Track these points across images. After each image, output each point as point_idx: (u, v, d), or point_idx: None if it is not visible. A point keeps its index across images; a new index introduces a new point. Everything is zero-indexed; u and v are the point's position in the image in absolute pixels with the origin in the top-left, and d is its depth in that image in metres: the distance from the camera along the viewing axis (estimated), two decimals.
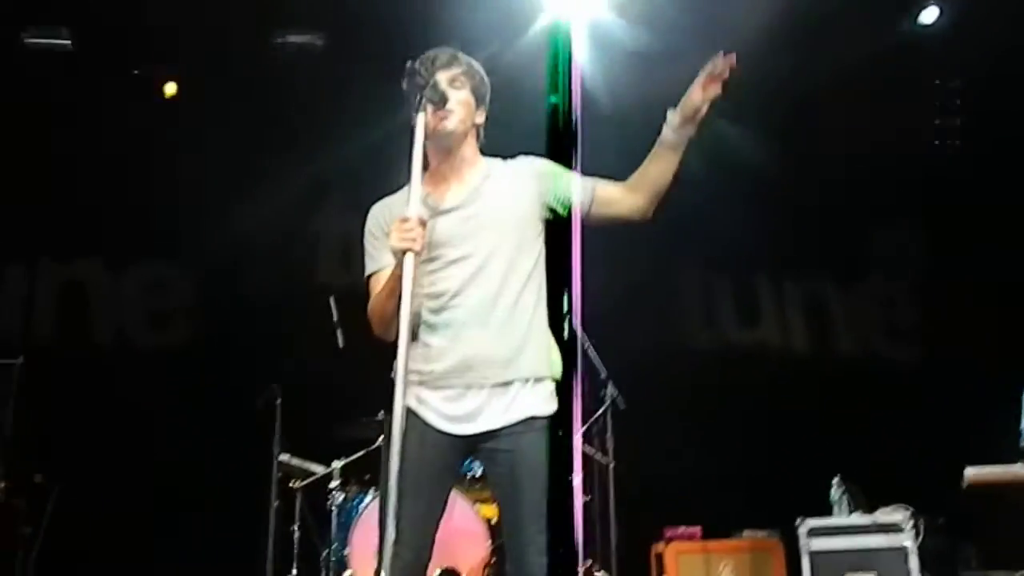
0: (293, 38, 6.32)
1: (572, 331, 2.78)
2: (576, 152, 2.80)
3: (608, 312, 6.00)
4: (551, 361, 2.74)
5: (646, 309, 6.68)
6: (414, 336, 2.70)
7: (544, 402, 2.70)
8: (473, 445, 2.71)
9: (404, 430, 2.47)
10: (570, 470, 2.69)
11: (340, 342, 5.31)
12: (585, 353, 5.47)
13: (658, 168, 2.78)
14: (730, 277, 7.32)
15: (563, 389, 2.72)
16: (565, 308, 2.75)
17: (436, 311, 2.68)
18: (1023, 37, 6.07)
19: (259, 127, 6.41)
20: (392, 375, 2.59)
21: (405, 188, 2.77)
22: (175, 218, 6.44)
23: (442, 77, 2.69)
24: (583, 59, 2.75)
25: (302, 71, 6.34)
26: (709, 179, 6.53)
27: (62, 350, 6.47)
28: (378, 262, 2.77)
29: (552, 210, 2.79)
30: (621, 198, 2.82)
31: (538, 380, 2.70)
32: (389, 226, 2.68)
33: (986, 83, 6.73)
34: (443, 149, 2.75)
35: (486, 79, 2.83)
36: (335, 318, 5.35)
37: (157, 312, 6.78)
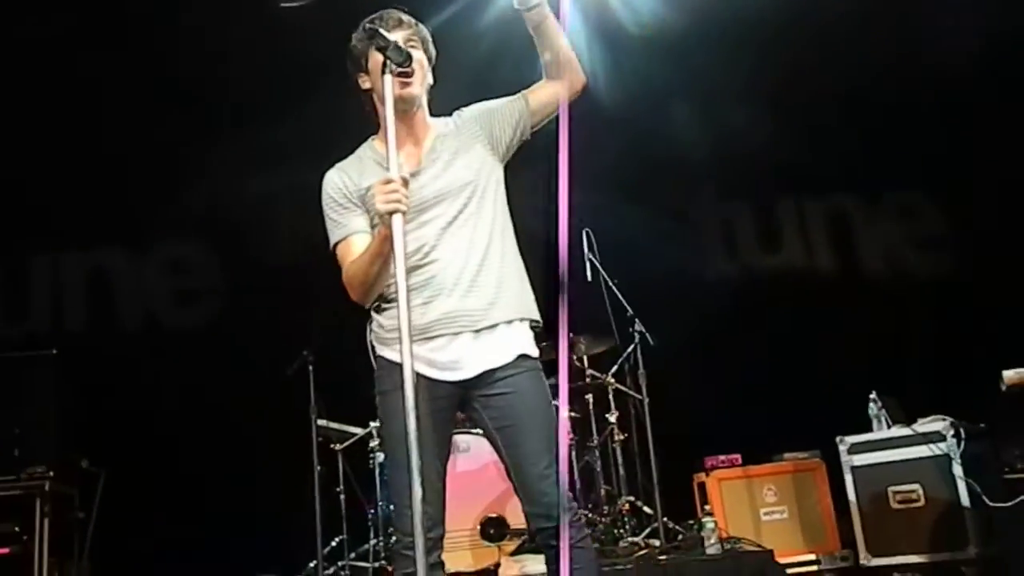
0: (286, 2, 6.23)
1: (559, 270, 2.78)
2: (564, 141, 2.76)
3: (629, 249, 6.03)
4: (528, 304, 2.80)
5: (667, 243, 6.63)
6: (385, 298, 2.76)
7: (530, 342, 2.77)
8: (466, 393, 2.74)
9: (396, 389, 2.47)
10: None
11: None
12: (610, 292, 5.46)
13: (546, 45, 2.79)
14: (748, 203, 7.23)
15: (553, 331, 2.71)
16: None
17: (408, 272, 2.64)
18: None
19: (269, 96, 6.37)
20: (369, 339, 2.76)
21: (357, 152, 2.85)
22: (190, 195, 6.43)
23: (398, 36, 2.68)
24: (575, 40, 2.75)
25: (311, 36, 6.27)
26: (719, 103, 6.49)
27: (93, 337, 6.52)
28: (346, 228, 2.77)
29: (509, 143, 2.83)
30: (550, 91, 2.83)
31: (520, 321, 2.75)
32: (351, 191, 2.75)
33: None
34: (402, 112, 2.72)
35: (431, 39, 2.84)
36: None
37: (183, 291, 6.81)
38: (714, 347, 6.27)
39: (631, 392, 5.56)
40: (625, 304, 5.48)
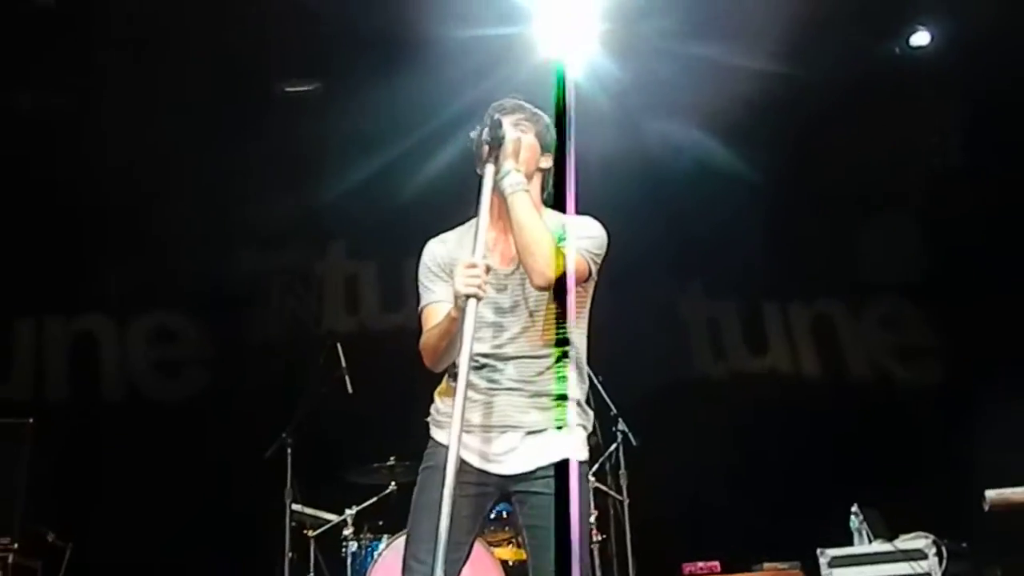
0: (295, 86, 6.39)
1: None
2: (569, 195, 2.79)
3: (616, 348, 6.03)
4: (585, 413, 2.80)
5: (653, 343, 6.66)
6: (447, 383, 2.80)
7: (577, 448, 2.74)
8: (506, 487, 2.73)
9: (442, 466, 2.50)
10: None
11: (349, 388, 5.31)
12: (595, 389, 5.45)
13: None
14: (736, 306, 7.28)
15: None
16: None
17: (475, 367, 2.69)
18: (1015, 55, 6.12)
19: (260, 173, 6.45)
20: (427, 419, 2.76)
21: (461, 227, 2.85)
22: (179, 268, 6.44)
23: (506, 121, 2.74)
24: (576, 99, 2.75)
25: (304, 116, 6.40)
26: (708, 205, 6.59)
27: (72, 406, 6.46)
28: (433, 295, 2.80)
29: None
30: None
31: (572, 428, 2.74)
32: (444, 263, 2.79)
33: (985, 99, 6.74)
34: (502, 196, 2.71)
35: (549, 125, 2.85)
36: (343, 364, 5.34)
37: (165, 363, 6.77)
38: (697, 450, 6.22)
39: (611, 492, 5.49)
40: (609, 402, 5.45)
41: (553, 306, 2.73)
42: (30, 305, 6.63)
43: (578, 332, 2.79)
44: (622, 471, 5.38)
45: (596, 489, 5.53)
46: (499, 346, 2.72)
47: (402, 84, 5.63)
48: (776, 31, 5.64)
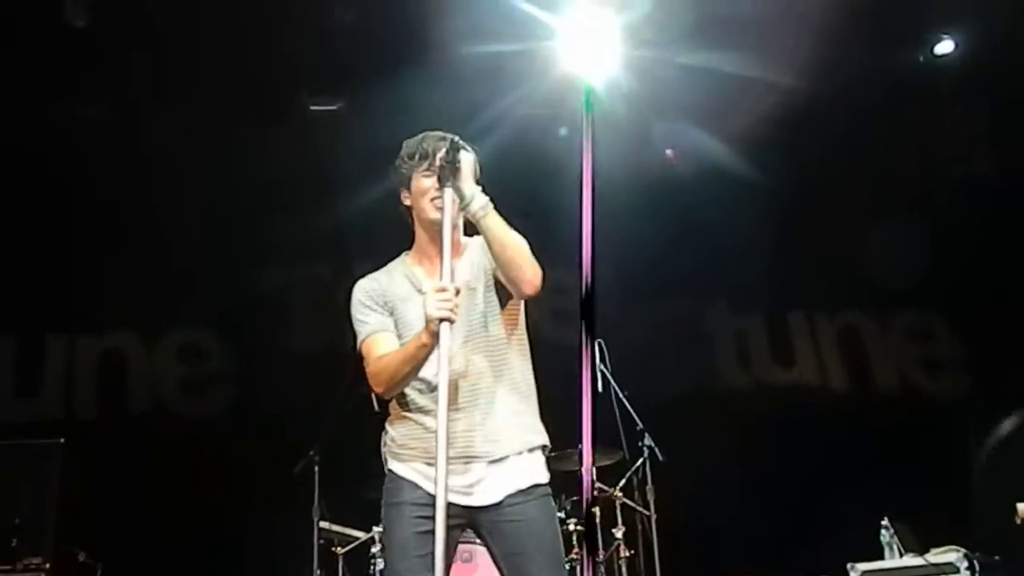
0: (320, 104, 6.46)
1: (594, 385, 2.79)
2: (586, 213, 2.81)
3: (642, 363, 6.04)
4: (539, 433, 2.83)
5: (679, 357, 6.64)
6: (398, 414, 2.83)
7: (541, 470, 2.79)
8: (475, 518, 2.75)
9: (406, 502, 2.63)
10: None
11: (375, 405, 5.31)
12: (620, 405, 5.44)
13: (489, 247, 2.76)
14: (762, 318, 7.25)
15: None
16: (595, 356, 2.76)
17: (422, 392, 2.75)
18: None
19: (288, 188, 6.51)
20: (384, 451, 2.82)
21: (389, 266, 2.96)
22: (206, 284, 6.50)
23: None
24: (599, 113, 2.75)
25: (330, 132, 6.46)
26: (732, 219, 6.58)
27: (102, 425, 6.52)
28: (372, 326, 2.84)
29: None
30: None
31: (531, 450, 2.78)
32: (376, 296, 2.86)
33: (1011, 106, 6.70)
34: (434, 232, 2.77)
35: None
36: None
37: (192, 381, 6.82)
38: (725, 464, 6.19)
39: (639, 507, 5.47)
40: (635, 417, 5.44)
41: (488, 330, 2.78)
42: (58, 323, 6.71)
43: (519, 349, 2.84)
44: (649, 486, 5.35)
45: (623, 505, 5.52)
46: (450, 371, 2.69)
47: (425, 100, 5.66)
48: (798, 44, 5.64)
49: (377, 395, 2.86)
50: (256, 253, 6.55)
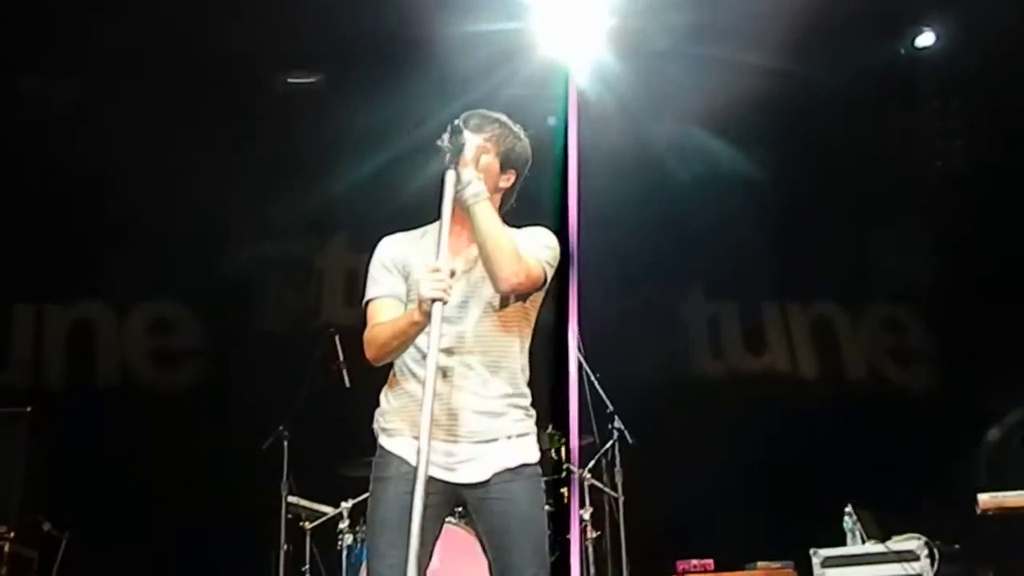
0: (297, 78, 6.41)
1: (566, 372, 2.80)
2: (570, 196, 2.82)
3: (613, 345, 6.06)
4: (532, 416, 2.83)
5: (651, 340, 6.67)
6: (392, 388, 2.81)
7: (532, 450, 2.78)
8: (461, 494, 2.75)
9: (394, 476, 2.62)
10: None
11: (347, 381, 5.32)
12: (591, 387, 5.46)
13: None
14: (735, 306, 7.30)
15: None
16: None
17: (418, 362, 2.72)
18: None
19: (263, 166, 6.46)
20: (375, 425, 2.79)
21: (418, 230, 2.89)
22: (178, 258, 6.45)
23: (471, 139, 2.73)
24: (581, 98, 2.74)
25: (306, 110, 6.41)
26: (710, 206, 6.61)
27: (69, 395, 6.47)
28: (382, 289, 2.81)
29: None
30: None
31: (521, 435, 2.77)
32: (396, 260, 2.81)
33: (988, 101, 6.76)
34: (462, 209, 2.74)
35: (520, 144, 2.84)
36: (340, 357, 5.35)
37: (162, 354, 6.78)
38: (693, 449, 6.24)
39: (607, 489, 5.50)
40: (606, 400, 5.46)
41: (498, 312, 2.77)
42: (28, 292, 6.64)
43: (520, 338, 2.82)
44: (617, 468, 5.39)
45: (591, 486, 5.56)
46: (447, 348, 2.69)
47: (405, 79, 5.64)
48: (781, 31, 5.65)
49: (367, 359, 2.82)
50: (229, 228, 6.50)
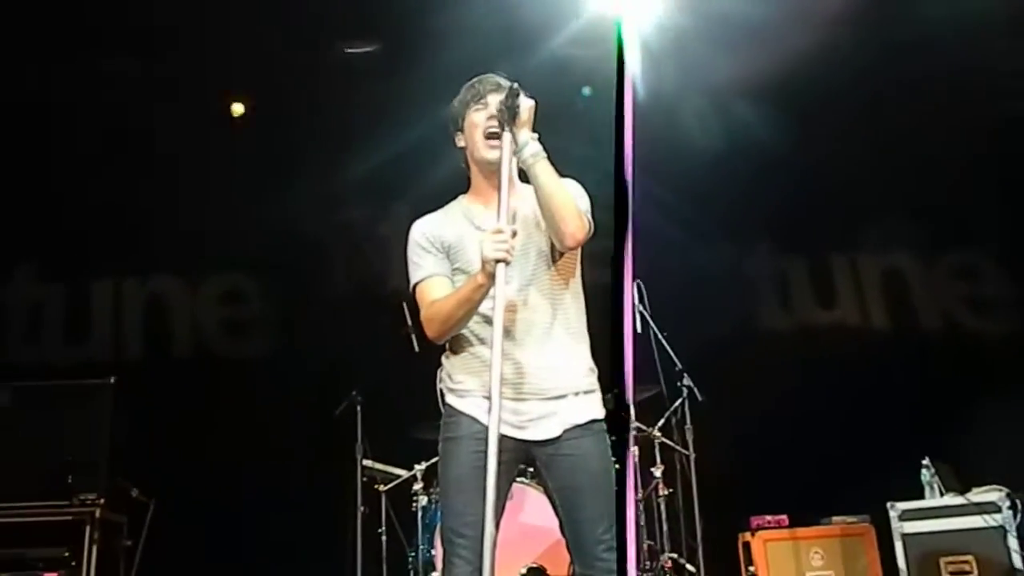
0: (355, 48, 6.44)
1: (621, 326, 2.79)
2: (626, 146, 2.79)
3: (682, 304, 6.02)
4: (595, 372, 2.86)
5: (720, 298, 6.60)
6: (455, 350, 2.85)
7: (598, 406, 2.82)
8: (531, 452, 2.79)
9: (465, 436, 2.67)
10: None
11: (415, 346, 5.38)
12: (661, 345, 5.44)
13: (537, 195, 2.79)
14: (804, 259, 7.17)
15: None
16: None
17: (480, 323, 2.77)
18: None
19: (326, 137, 6.52)
20: (440, 386, 2.86)
21: (447, 207, 2.97)
22: (247, 230, 6.56)
23: (494, 100, 2.79)
24: (636, 53, 2.71)
25: (366, 77, 6.43)
26: (778, 161, 6.48)
27: (150, 365, 6.67)
28: (427, 269, 2.87)
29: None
30: None
31: (587, 392, 2.81)
32: (433, 238, 2.87)
33: None
34: (489, 172, 2.83)
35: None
36: (409, 323, 5.42)
37: (234, 324, 6.93)
38: (765, 405, 6.17)
39: (677, 447, 5.50)
40: (674, 358, 5.44)
41: (550, 268, 2.81)
42: (106, 269, 6.84)
43: (574, 291, 2.86)
44: (688, 426, 5.38)
45: (662, 444, 5.56)
46: (507, 307, 2.71)
47: (458, 41, 5.60)
48: None
49: (430, 339, 2.88)
50: (294, 197, 6.58)
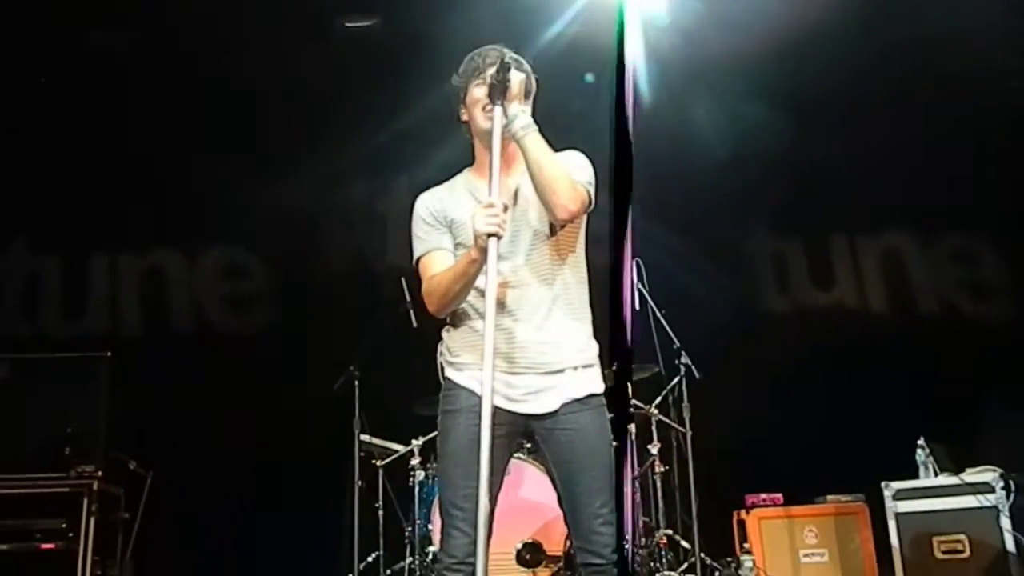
0: (355, 22, 6.40)
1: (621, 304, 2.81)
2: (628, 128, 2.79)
3: (679, 282, 6.03)
4: (595, 347, 2.86)
5: (717, 276, 6.61)
6: (454, 323, 2.85)
7: (597, 381, 2.83)
8: (530, 426, 2.80)
9: (463, 409, 2.68)
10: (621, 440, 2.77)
11: (414, 321, 5.39)
12: (657, 323, 5.45)
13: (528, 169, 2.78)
14: (802, 239, 7.17)
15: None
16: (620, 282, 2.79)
17: (479, 298, 2.76)
18: None
19: (325, 112, 6.49)
20: (440, 359, 2.86)
21: (450, 181, 2.95)
22: (246, 205, 6.54)
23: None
24: (638, 33, 2.72)
25: (365, 52, 6.40)
26: (775, 141, 6.46)
27: (147, 339, 6.67)
28: (430, 243, 2.87)
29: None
30: None
31: (586, 366, 2.81)
32: (437, 212, 2.86)
33: None
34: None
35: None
36: (407, 298, 5.43)
37: (233, 298, 6.93)
38: (761, 383, 6.20)
39: (674, 424, 5.53)
40: (672, 336, 5.46)
41: (547, 241, 2.80)
42: (103, 242, 6.82)
43: (574, 266, 2.85)
44: (685, 404, 5.40)
45: (659, 422, 5.58)
46: (504, 282, 2.74)
47: (458, 18, 5.58)
48: None
49: (430, 313, 2.89)
50: (293, 172, 6.57)
